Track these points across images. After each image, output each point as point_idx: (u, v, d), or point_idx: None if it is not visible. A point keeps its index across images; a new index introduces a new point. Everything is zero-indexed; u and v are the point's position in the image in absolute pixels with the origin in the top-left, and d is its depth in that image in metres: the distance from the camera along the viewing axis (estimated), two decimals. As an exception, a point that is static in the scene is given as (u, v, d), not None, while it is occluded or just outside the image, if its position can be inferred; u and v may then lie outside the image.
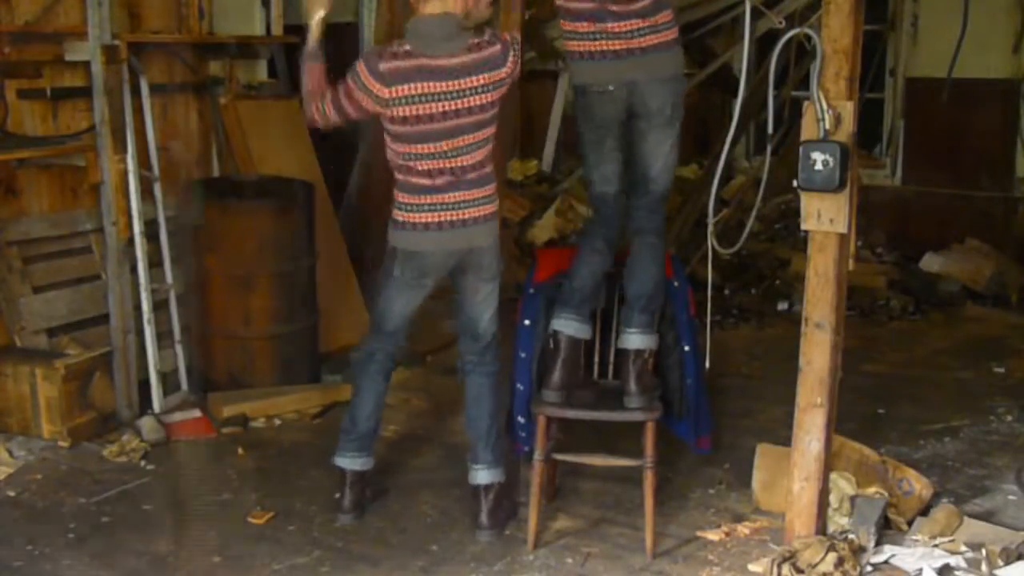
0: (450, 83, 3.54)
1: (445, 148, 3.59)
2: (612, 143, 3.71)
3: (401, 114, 3.55)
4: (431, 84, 3.53)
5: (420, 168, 3.62)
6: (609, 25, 3.55)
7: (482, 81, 3.58)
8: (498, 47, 3.62)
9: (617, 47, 3.57)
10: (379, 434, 4.07)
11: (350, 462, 3.91)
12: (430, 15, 3.56)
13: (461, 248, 3.69)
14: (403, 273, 3.74)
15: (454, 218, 3.65)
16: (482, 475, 3.82)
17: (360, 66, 3.58)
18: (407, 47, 3.57)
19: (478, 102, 3.58)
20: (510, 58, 3.64)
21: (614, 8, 3.54)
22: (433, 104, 3.54)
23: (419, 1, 3.57)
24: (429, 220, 3.65)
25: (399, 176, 3.68)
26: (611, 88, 3.62)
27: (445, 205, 3.64)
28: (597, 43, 3.59)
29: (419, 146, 3.59)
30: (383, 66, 3.54)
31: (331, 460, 3.95)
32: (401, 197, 3.68)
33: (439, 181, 3.62)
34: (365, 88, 3.57)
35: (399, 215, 3.69)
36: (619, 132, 3.70)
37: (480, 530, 3.78)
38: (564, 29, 3.69)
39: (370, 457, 3.95)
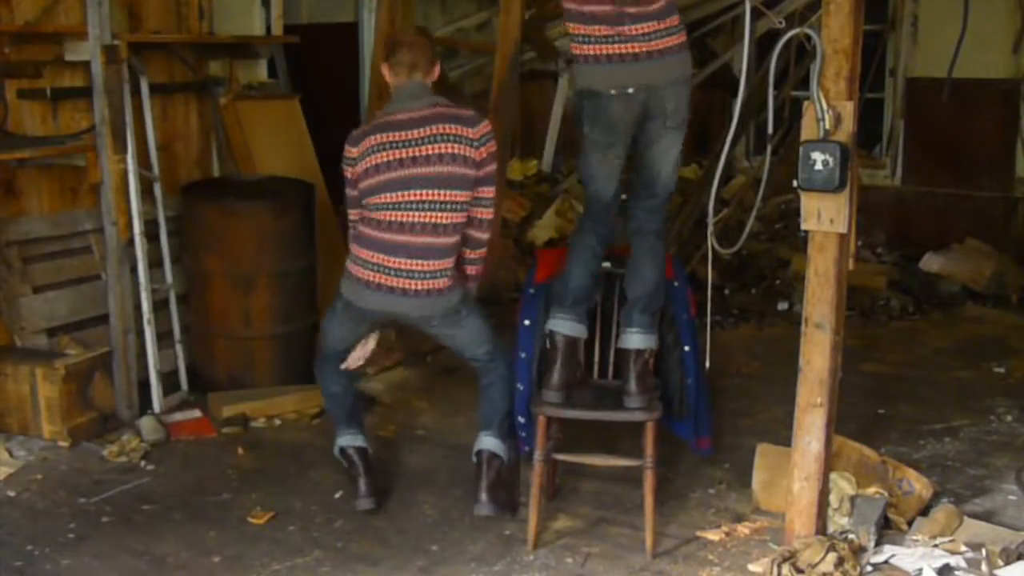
0: (409, 132, 3.70)
1: (407, 198, 3.67)
2: (620, 147, 3.68)
3: (364, 167, 3.72)
4: (389, 134, 3.71)
5: (376, 218, 3.72)
6: (627, 28, 3.52)
7: (445, 130, 3.68)
8: (472, 112, 3.78)
9: (636, 50, 3.54)
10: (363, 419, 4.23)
11: (350, 440, 4.01)
12: (398, 84, 3.78)
13: (397, 312, 3.80)
14: (343, 313, 3.90)
15: (384, 282, 3.72)
16: (485, 442, 3.90)
17: (344, 147, 3.81)
18: (380, 114, 3.82)
19: (437, 151, 3.66)
20: (484, 123, 3.75)
21: (631, 10, 3.51)
22: (390, 152, 3.69)
23: (395, 71, 3.77)
24: (371, 279, 3.74)
25: (360, 228, 3.80)
26: (630, 91, 3.56)
27: (387, 268, 3.71)
28: (614, 46, 3.54)
29: (377, 197, 3.70)
30: (356, 132, 3.80)
31: (334, 449, 4.03)
32: (353, 249, 3.81)
33: (388, 237, 3.69)
34: (346, 160, 3.80)
35: (348, 265, 3.81)
36: (628, 136, 3.66)
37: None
38: (575, 33, 3.60)
39: (365, 437, 4.08)
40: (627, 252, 3.84)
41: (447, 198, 3.69)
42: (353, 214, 3.87)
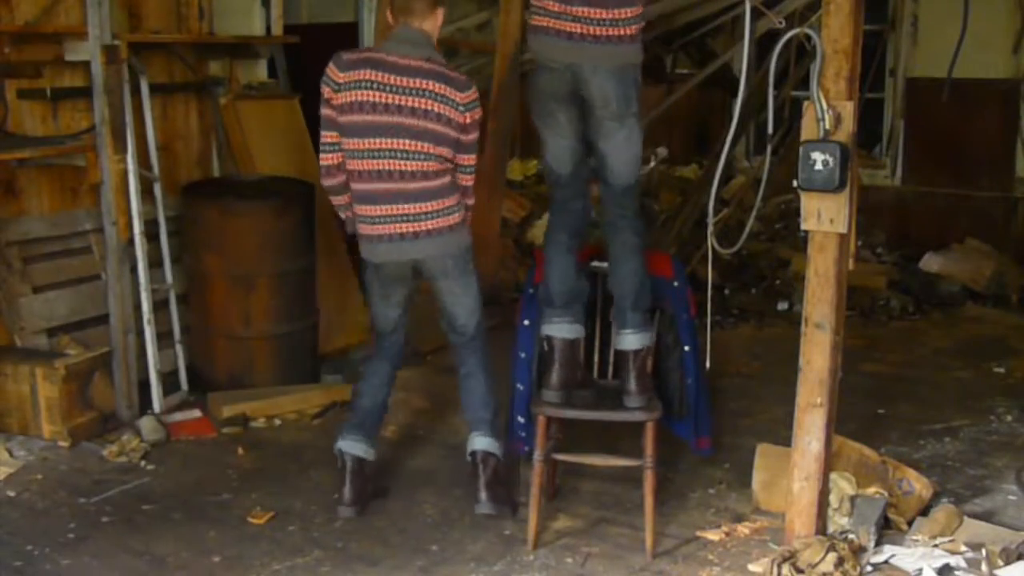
0: (399, 78, 3.65)
1: (387, 146, 3.66)
2: (562, 118, 3.70)
3: (348, 99, 3.67)
4: (380, 74, 3.66)
5: (364, 168, 3.69)
6: (576, 8, 3.56)
7: (433, 88, 3.65)
8: (464, 77, 3.74)
9: (572, 29, 3.57)
10: (381, 426, 4.15)
11: (349, 445, 3.94)
12: (404, 24, 3.73)
13: (410, 259, 3.78)
14: (373, 281, 3.89)
15: (393, 231, 3.72)
16: (479, 442, 3.89)
17: (329, 64, 3.75)
18: (374, 47, 3.73)
19: (423, 106, 3.64)
20: (472, 90, 3.71)
21: None
22: (378, 93, 3.65)
23: (396, 17, 3.74)
24: (375, 232, 3.75)
25: (351, 184, 3.77)
26: (555, 66, 3.63)
27: (390, 217, 3.71)
28: (558, 22, 3.59)
29: (362, 140, 3.67)
30: (346, 56, 3.73)
31: (334, 446, 3.99)
32: (356, 209, 3.79)
33: (381, 187, 3.69)
34: (328, 79, 3.73)
35: (358, 227, 3.81)
36: (568, 109, 3.67)
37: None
38: (534, 6, 3.70)
39: (371, 447, 4.00)
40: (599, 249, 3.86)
41: (429, 150, 3.68)
42: (329, 136, 3.77)
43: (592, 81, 3.58)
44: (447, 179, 3.75)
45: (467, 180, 3.84)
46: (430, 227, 3.72)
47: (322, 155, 3.81)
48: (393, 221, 3.71)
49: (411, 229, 3.71)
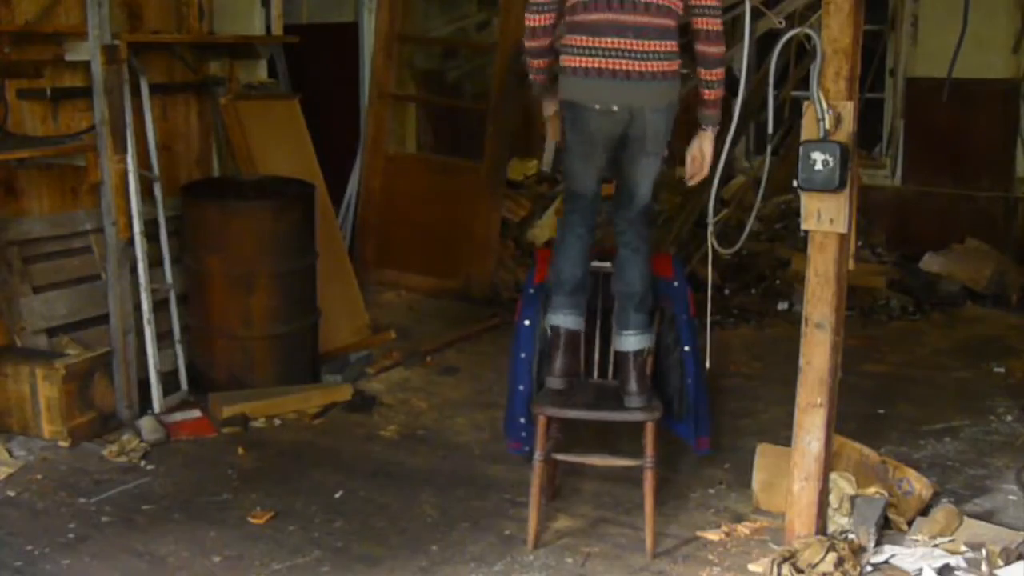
0: None
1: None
2: (600, 158, 3.66)
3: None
4: None
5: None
6: (627, 41, 3.48)
7: None
8: None
9: (628, 67, 3.49)
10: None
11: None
12: None
13: (628, 104, 3.56)
14: (572, 136, 3.68)
15: (616, 67, 3.50)
16: (630, 341, 3.77)
17: None
18: None
19: None
20: None
21: (637, 19, 3.48)
22: None
23: None
24: (592, 65, 3.53)
25: (571, 18, 3.58)
26: (614, 108, 3.52)
27: (613, 51, 3.51)
28: (607, 60, 3.49)
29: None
30: None
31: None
32: (572, 39, 3.57)
33: (611, 17, 3.50)
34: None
35: (564, 60, 3.59)
36: (610, 150, 3.64)
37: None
38: (572, 45, 3.55)
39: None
40: (613, 252, 3.85)
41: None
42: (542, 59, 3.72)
43: (649, 121, 3.54)
44: (673, 19, 3.57)
45: (710, 23, 3.63)
46: (655, 68, 3.52)
47: (531, 16, 3.64)
48: (617, 56, 3.50)
49: (636, 68, 3.50)
